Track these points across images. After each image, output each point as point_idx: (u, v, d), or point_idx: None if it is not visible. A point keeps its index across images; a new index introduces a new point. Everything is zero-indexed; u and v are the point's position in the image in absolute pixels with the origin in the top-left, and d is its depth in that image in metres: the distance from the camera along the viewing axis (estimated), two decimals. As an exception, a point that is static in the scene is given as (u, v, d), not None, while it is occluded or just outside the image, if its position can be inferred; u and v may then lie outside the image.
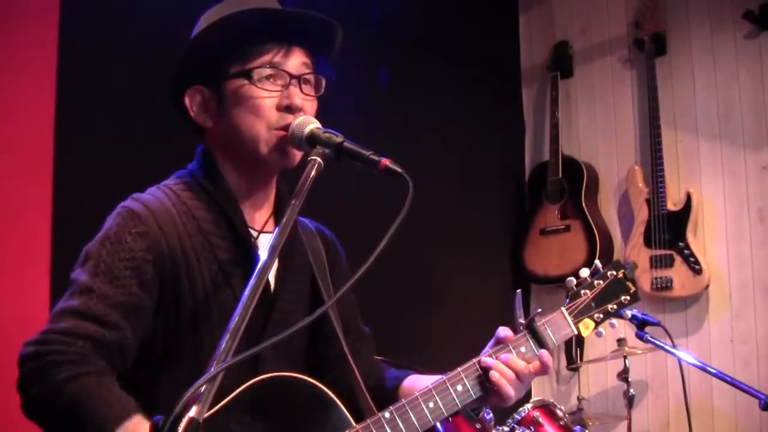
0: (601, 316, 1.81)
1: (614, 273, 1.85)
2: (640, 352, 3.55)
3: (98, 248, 1.55)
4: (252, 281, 1.32)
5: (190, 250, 1.59)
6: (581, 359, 4.38)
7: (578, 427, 3.21)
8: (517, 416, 2.99)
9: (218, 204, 1.65)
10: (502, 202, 4.78)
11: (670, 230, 4.11)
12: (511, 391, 1.64)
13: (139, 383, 1.53)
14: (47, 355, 1.43)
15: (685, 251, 4.06)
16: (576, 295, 1.81)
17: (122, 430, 1.37)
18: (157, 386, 1.56)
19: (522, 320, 1.77)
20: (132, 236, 1.55)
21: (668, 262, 4.09)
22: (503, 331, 1.72)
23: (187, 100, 1.67)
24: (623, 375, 3.58)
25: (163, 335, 1.57)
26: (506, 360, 1.66)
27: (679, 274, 4.06)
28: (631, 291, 1.85)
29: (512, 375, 1.65)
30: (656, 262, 4.11)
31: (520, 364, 1.66)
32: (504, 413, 3.02)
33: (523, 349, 1.70)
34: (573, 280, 1.83)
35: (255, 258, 1.64)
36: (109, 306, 1.49)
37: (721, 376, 2.61)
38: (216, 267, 1.61)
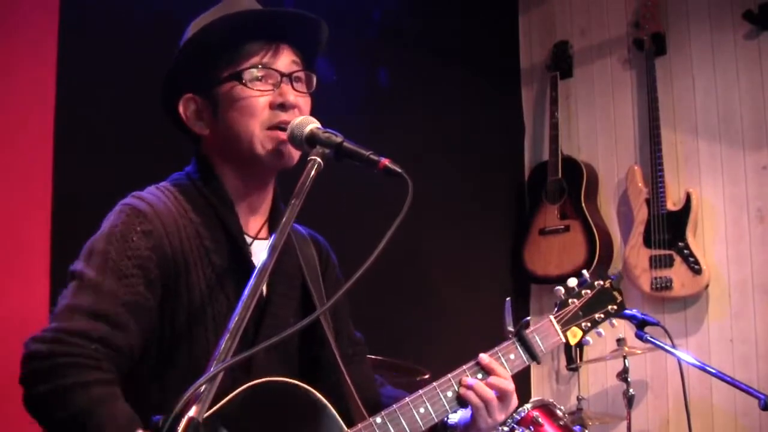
0: (588, 324, 1.87)
1: (601, 283, 1.91)
2: (639, 352, 3.55)
3: (105, 244, 1.53)
4: (252, 281, 1.32)
5: (188, 253, 1.59)
6: (581, 359, 4.37)
7: (578, 427, 3.21)
8: (516, 416, 2.98)
9: (214, 208, 1.65)
10: (502, 202, 4.79)
11: (669, 230, 4.11)
12: (485, 415, 1.66)
13: (134, 385, 1.52)
14: (61, 355, 1.41)
15: (685, 251, 4.07)
16: (564, 304, 1.87)
17: None
18: (151, 389, 1.55)
19: (511, 328, 1.81)
20: (138, 234, 1.54)
21: (668, 262, 4.09)
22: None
23: (181, 110, 1.67)
24: (623, 375, 3.58)
25: (159, 337, 1.57)
26: (489, 381, 1.68)
27: (678, 274, 4.07)
28: (618, 301, 1.92)
29: (491, 394, 1.67)
30: (656, 262, 4.11)
31: (502, 383, 1.69)
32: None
33: (512, 356, 1.75)
34: (561, 289, 1.89)
35: (249, 264, 1.64)
36: (118, 305, 1.47)
37: (720, 376, 2.62)
38: (210, 271, 1.60)
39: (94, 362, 1.42)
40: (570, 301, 1.87)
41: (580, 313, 1.86)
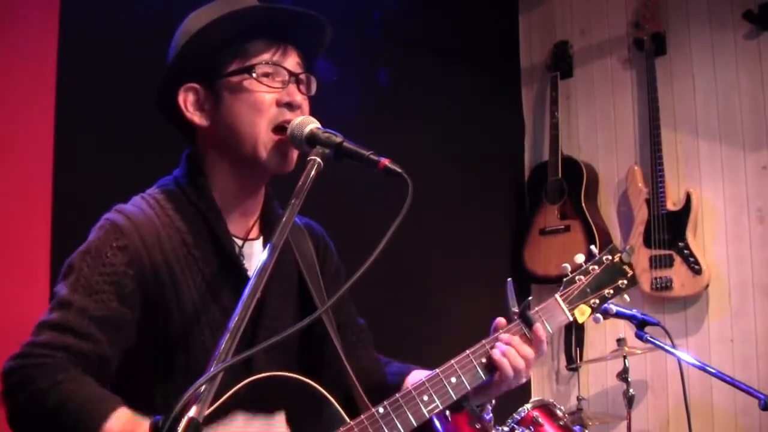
0: (597, 301, 1.79)
1: (610, 258, 1.83)
2: (639, 352, 3.55)
3: (79, 262, 1.55)
4: (252, 280, 1.32)
5: (174, 263, 1.59)
6: (581, 359, 4.38)
7: (578, 427, 3.22)
8: (516, 416, 2.99)
9: (202, 214, 1.65)
10: (502, 202, 4.79)
11: (669, 230, 4.11)
12: (510, 371, 1.66)
13: (135, 396, 1.52)
14: (28, 367, 1.44)
15: (685, 251, 4.07)
16: (571, 282, 1.79)
17: (111, 422, 1.39)
18: (153, 398, 1.56)
19: (515, 309, 1.76)
20: (113, 250, 1.55)
21: (668, 262, 4.09)
22: (499, 321, 1.74)
23: (180, 99, 1.65)
24: (623, 375, 3.58)
25: (154, 347, 1.57)
26: (509, 340, 1.68)
27: (678, 274, 4.06)
28: (629, 275, 1.83)
29: (513, 351, 1.67)
30: (656, 262, 4.11)
31: (520, 343, 1.69)
32: (504, 413, 3.02)
33: (517, 339, 1.71)
34: (568, 266, 1.81)
35: (240, 269, 1.64)
36: (86, 318, 1.49)
37: (720, 376, 2.62)
38: (201, 279, 1.60)
39: (59, 366, 1.44)
40: (577, 278, 1.79)
41: (588, 289, 1.78)
